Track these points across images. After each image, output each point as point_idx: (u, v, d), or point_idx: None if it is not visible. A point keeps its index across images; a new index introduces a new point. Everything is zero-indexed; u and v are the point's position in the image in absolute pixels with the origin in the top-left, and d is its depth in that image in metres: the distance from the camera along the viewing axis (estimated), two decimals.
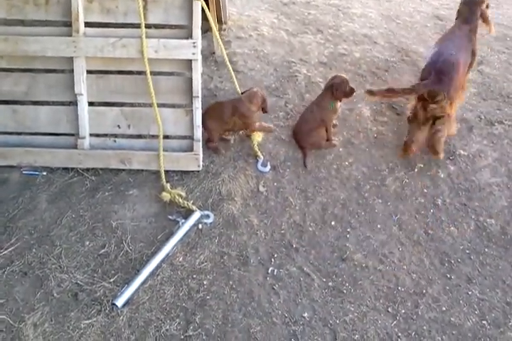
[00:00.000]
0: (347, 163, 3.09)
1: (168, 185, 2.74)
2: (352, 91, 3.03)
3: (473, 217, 2.85)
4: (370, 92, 3.14)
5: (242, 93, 3.10)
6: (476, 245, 2.72)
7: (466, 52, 3.24)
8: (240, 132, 3.13)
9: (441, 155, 3.07)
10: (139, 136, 2.93)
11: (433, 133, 2.97)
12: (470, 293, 2.52)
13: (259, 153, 3.04)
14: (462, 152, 3.22)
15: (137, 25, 2.76)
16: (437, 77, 2.95)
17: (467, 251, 2.69)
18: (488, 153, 3.24)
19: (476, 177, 3.07)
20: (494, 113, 3.58)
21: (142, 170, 2.86)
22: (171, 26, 2.90)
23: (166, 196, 2.70)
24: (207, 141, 3.01)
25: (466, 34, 3.30)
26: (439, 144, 3.00)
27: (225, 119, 2.95)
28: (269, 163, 3.01)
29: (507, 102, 3.71)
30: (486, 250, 2.70)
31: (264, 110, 3.06)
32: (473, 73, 3.98)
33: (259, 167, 2.99)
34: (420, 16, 4.86)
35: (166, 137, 2.86)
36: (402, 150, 3.12)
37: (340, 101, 3.08)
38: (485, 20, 3.43)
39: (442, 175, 3.06)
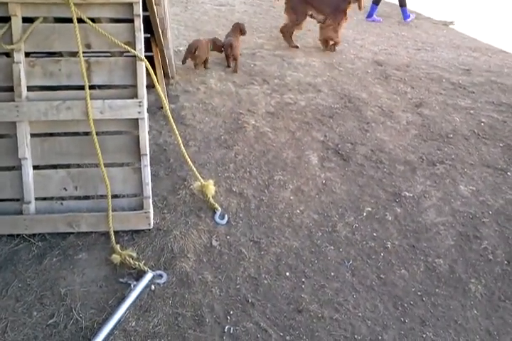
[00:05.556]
0: (298, 211, 3.14)
1: (118, 246, 2.69)
2: None
3: (422, 258, 2.93)
4: None
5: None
6: (427, 286, 2.78)
7: None
8: None
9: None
10: (87, 197, 2.89)
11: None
12: (424, 335, 2.55)
13: (216, 205, 3.04)
14: (407, 193, 3.34)
15: (81, 87, 2.78)
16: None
17: (419, 293, 2.74)
18: (432, 193, 3.38)
19: (422, 217, 3.18)
20: (435, 153, 3.77)
21: (91, 232, 2.79)
22: (115, 86, 2.95)
23: (116, 258, 2.64)
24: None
25: None
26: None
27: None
28: (226, 215, 3.02)
29: (446, 142, 3.92)
30: (437, 290, 2.76)
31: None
32: (412, 115, 4.22)
33: (217, 219, 2.99)
34: (361, 63, 5.14)
35: (114, 196, 2.84)
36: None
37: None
38: None
39: (390, 218, 3.15)
